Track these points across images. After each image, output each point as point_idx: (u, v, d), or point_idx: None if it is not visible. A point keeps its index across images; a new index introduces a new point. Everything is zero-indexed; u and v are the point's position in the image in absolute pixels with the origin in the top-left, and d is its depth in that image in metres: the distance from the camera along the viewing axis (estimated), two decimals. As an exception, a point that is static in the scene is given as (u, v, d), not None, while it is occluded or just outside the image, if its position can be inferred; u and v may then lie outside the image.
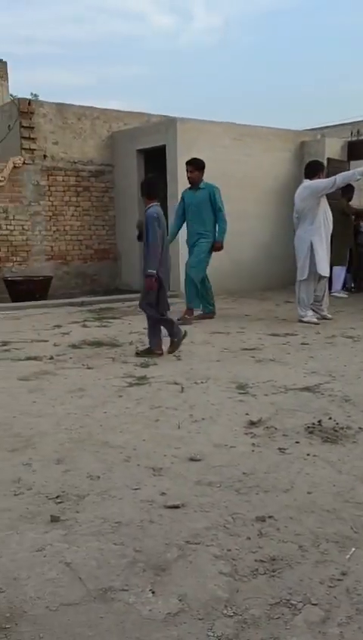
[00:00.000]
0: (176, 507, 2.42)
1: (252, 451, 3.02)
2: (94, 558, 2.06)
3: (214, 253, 7.31)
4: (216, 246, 7.25)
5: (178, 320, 6.57)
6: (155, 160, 9.69)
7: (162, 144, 9.37)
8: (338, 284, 9.41)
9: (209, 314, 7.37)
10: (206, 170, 8.72)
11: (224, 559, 2.06)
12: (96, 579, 1.95)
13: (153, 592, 1.88)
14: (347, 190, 9.03)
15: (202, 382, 4.33)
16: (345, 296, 9.35)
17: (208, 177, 9.34)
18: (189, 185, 7.31)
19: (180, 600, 1.84)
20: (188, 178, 7.25)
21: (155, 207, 5.31)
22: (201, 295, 7.36)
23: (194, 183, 7.16)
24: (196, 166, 7.15)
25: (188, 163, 7.26)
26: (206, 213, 7.11)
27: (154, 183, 5.50)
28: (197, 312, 7.31)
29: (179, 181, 9.12)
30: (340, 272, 9.45)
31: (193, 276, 7.20)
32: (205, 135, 9.36)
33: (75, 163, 10.33)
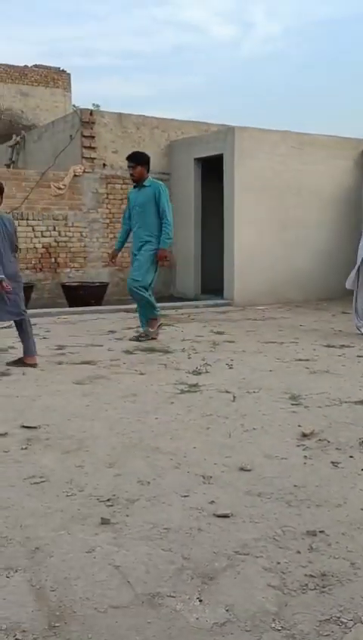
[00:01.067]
0: (226, 516, 2.41)
1: (304, 463, 2.98)
2: (143, 563, 2.08)
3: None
4: (160, 254, 6.16)
5: (141, 337, 6.17)
6: (212, 169, 9.74)
7: (220, 152, 9.40)
8: None
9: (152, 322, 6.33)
10: (267, 179, 8.39)
11: (273, 572, 2.03)
12: (144, 584, 1.96)
13: (200, 600, 1.87)
14: None
15: (254, 392, 4.30)
16: None
17: (266, 185, 9.39)
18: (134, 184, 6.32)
19: (227, 610, 1.82)
20: (130, 175, 6.25)
21: None
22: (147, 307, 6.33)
23: (138, 180, 6.16)
24: (137, 161, 6.13)
25: (128, 158, 6.28)
26: (151, 215, 6.09)
27: None
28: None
29: (236, 191, 9.15)
30: None
31: (141, 295, 6.19)
32: (263, 143, 9.33)
33: (133, 171, 10.48)
